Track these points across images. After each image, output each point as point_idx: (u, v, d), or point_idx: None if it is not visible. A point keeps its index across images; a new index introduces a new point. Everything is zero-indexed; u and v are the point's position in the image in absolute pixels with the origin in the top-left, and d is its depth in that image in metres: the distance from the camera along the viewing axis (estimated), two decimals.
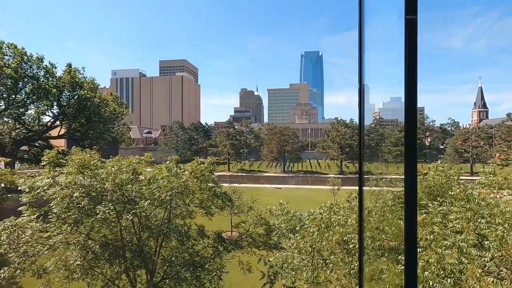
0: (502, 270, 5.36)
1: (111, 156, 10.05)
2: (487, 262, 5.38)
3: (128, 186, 8.11)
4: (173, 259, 8.55)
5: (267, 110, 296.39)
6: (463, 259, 5.78)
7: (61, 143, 50.43)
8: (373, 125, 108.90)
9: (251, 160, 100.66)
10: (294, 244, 7.37)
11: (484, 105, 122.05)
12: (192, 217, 10.73)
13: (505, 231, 5.33)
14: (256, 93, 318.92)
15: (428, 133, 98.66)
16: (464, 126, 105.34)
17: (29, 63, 29.06)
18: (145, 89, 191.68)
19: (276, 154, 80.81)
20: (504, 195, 7.11)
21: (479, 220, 5.97)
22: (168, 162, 9.35)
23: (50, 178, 7.90)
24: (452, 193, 7.30)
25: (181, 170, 9.03)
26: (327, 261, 6.54)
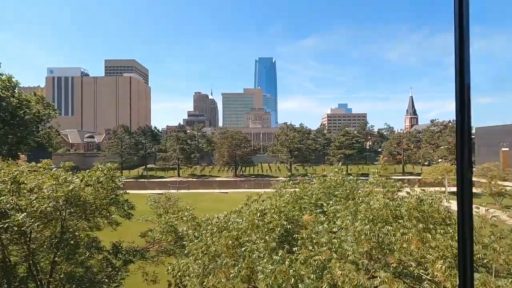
0: (359, 262, 5.86)
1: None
2: (349, 255, 5.83)
3: (3, 197, 7.13)
4: (61, 276, 7.77)
5: (221, 114, 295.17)
6: (334, 254, 6.20)
7: None
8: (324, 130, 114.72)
9: (203, 165, 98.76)
10: (189, 251, 7.23)
11: (414, 112, 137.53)
12: (100, 229, 9.96)
13: (361, 225, 5.85)
14: (210, 96, 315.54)
15: (369, 137, 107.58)
16: (399, 131, 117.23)
17: None
18: (88, 90, 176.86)
19: (227, 158, 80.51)
20: (380, 191, 7.85)
21: (348, 217, 6.48)
22: (55, 169, 8.47)
23: None
24: (337, 192, 7.86)
25: (71, 178, 8.22)
26: (211, 266, 6.51)
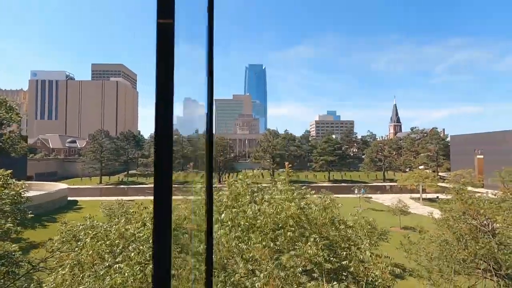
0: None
1: None
2: None
3: None
4: None
5: None
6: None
7: None
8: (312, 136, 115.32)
9: (188, 171, 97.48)
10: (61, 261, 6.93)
11: (398, 120, 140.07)
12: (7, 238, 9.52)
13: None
14: (200, 102, 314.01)
15: (354, 144, 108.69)
16: (382, 138, 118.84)
17: None
18: (73, 94, 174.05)
19: None
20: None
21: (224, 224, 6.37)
22: None
23: None
24: (224, 200, 7.73)
25: None
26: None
